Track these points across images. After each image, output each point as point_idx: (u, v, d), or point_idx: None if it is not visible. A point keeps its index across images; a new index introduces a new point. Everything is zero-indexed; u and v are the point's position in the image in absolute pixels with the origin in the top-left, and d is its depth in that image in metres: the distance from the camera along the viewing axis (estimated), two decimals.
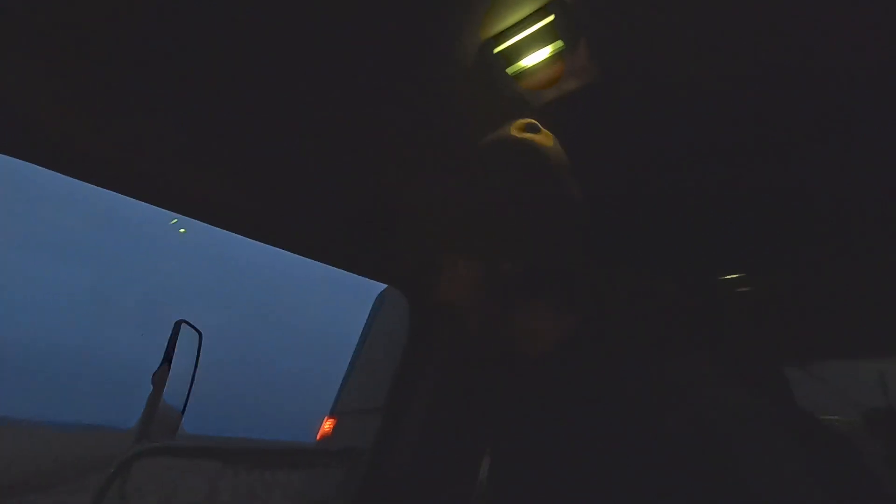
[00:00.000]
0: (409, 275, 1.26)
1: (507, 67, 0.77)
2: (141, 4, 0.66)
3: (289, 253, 1.34)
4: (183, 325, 1.39)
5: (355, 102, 0.86)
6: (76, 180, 0.85)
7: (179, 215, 1.07)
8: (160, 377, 1.37)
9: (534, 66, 0.78)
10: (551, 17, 0.70)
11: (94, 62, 0.73)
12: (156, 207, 0.98)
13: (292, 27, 0.71)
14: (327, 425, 2.33)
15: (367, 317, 2.48)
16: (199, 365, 1.43)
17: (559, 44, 0.73)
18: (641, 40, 0.74)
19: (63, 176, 0.83)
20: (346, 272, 1.44)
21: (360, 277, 1.41)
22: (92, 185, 0.86)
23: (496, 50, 0.75)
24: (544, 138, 0.66)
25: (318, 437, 2.35)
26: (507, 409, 0.46)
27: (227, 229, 1.17)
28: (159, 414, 1.30)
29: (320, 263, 1.40)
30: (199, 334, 1.42)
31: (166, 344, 1.38)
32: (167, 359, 1.37)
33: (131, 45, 0.71)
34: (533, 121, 0.69)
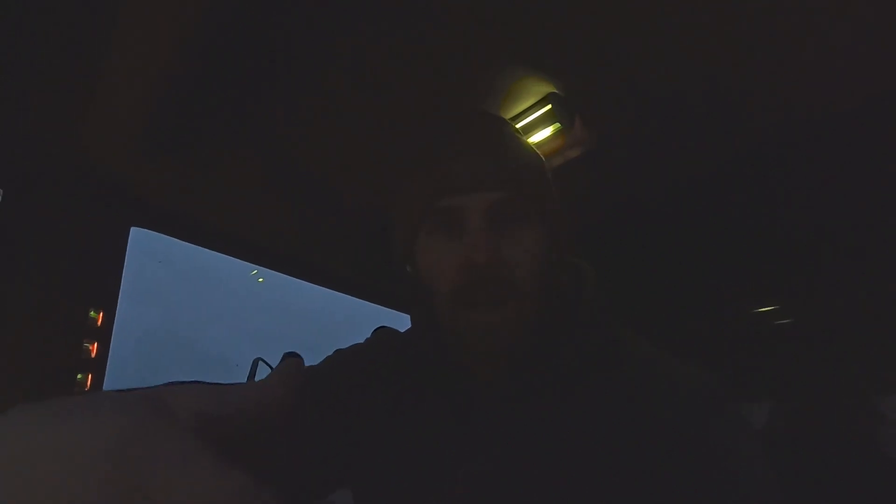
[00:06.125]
0: None
1: None
2: None
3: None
4: (259, 361, 1.62)
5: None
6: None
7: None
8: None
9: (540, 140, 0.96)
10: (549, 106, 0.89)
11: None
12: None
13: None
14: None
15: None
16: None
17: (557, 125, 0.91)
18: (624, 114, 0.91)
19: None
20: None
21: None
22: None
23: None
24: None
25: None
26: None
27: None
28: None
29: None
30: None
31: (246, 378, 1.62)
32: None
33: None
34: None
